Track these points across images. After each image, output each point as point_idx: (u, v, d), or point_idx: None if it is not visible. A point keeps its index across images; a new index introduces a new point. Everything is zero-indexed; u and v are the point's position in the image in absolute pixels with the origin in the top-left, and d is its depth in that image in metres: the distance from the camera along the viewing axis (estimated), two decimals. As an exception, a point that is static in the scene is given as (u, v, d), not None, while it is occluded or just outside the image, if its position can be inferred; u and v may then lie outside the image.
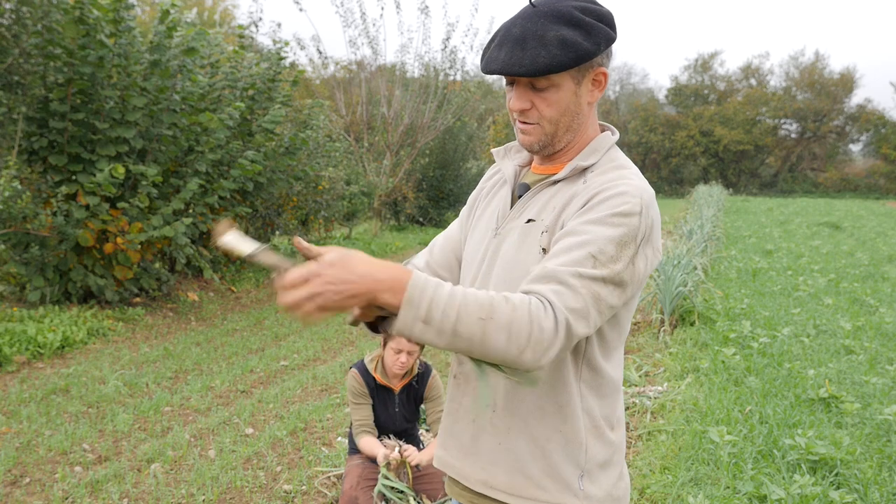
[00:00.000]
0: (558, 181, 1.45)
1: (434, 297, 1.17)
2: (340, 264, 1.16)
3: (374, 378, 3.34)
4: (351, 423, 3.39)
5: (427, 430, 4.39)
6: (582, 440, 1.41)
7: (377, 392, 3.37)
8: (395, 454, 3.22)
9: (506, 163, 1.58)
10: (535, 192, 1.47)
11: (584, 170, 1.44)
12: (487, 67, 1.39)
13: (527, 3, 1.41)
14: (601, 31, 1.36)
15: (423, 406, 3.57)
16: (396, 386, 3.36)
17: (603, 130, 1.52)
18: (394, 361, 3.25)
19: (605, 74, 1.41)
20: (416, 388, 3.43)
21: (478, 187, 1.68)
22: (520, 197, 1.50)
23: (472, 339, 1.18)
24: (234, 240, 1.27)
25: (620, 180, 1.37)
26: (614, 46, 1.43)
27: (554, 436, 1.40)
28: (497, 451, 1.44)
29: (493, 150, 1.61)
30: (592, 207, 1.33)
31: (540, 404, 1.41)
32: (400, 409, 3.40)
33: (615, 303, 1.30)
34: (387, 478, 3.24)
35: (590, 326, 1.26)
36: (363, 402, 3.35)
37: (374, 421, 3.38)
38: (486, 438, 1.45)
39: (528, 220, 1.44)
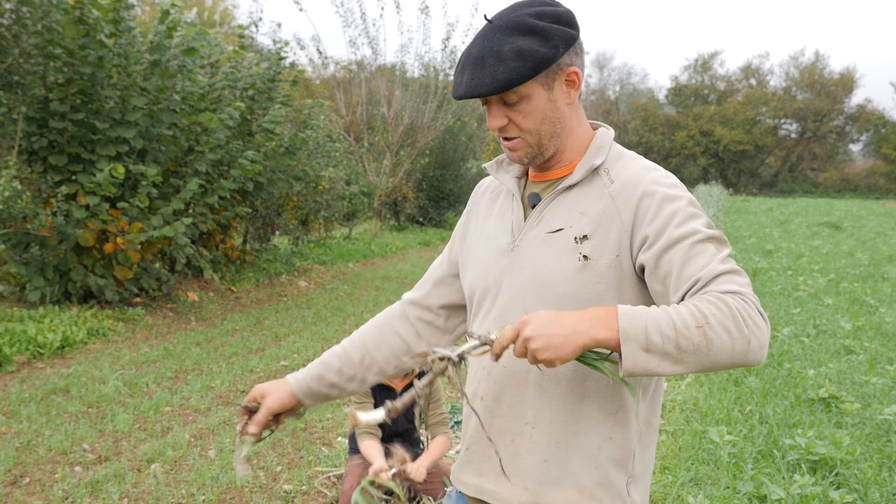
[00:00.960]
0: (573, 185, 1.42)
1: (648, 323, 1.18)
2: (543, 319, 1.21)
3: None
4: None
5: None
6: (633, 446, 1.39)
7: (378, 392, 3.37)
8: (388, 474, 3.17)
9: (502, 175, 1.54)
10: (549, 200, 1.44)
11: (597, 168, 1.42)
12: (455, 93, 1.39)
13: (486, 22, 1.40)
14: (557, 32, 1.34)
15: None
16: (398, 385, 3.36)
17: (595, 129, 1.51)
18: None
19: (576, 73, 1.39)
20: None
21: (466, 211, 1.65)
22: (533, 207, 1.47)
23: (698, 352, 1.17)
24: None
25: (662, 177, 1.39)
26: (582, 42, 1.42)
27: (605, 444, 1.38)
28: (543, 468, 1.39)
29: (486, 165, 1.58)
30: (671, 213, 1.32)
31: (588, 413, 1.38)
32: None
33: None
34: (372, 483, 3.23)
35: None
36: (365, 401, 3.35)
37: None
38: (528, 458, 1.41)
39: (556, 230, 1.40)
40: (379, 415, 1.30)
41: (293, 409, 1.64)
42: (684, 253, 1.27)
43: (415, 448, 3.51)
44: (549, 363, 1.19)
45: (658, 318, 1.18)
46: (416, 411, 3.44)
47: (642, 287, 1.36)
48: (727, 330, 1.17)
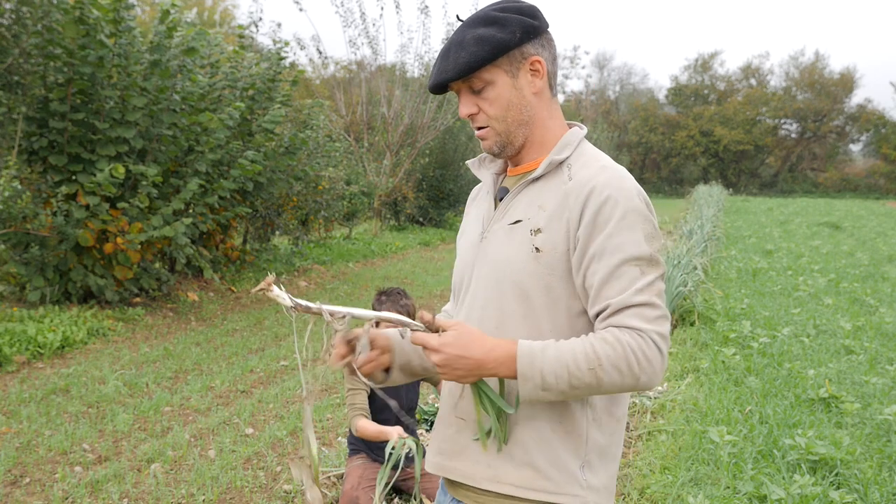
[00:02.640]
0: (537, 179, 1.48)
1: (543, 366, 1.32)
2: (458, 345, 1.34)
3: None
4: (347, 413, 3.38)
5: (427, 430, 4.40)
6: (583, 432, 1.44)
7: None
8: (402, 431, 3.18)
9: (482, 172, 1.62)
10: (515, 192, 1.51)
11: (561, 163, 1.47)
12: (429, 86, 1.50)
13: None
14: (514, 20, 1.42)
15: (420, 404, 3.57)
16: None
17: (571, 127, 1.56)
18: None
19: (540, 62, 1.45)
20: None
21: (465, 211, 1.73)
22: (500, 200, 1.54)
23: (590, 388, 1.33)
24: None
25: (603, 174, 1.41)
26: (551, 37, 1.49)
27: (556, 427, 1.44)
28: (504, 447, 1.46)
29: (468, 162, 1.66)
30: (602, 219, 1.37)
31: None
32: (401, 386, 3.38)
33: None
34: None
35: (668, 317, 1.37)
36: (360, 387, 3.35)
37: (375, 402, 3.37)
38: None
39: (516, 221, 1.47)
40: (285, 298, 1.42)
41: (385, 356, 1.58)
42: (607, 272, 1.36)
43: (413, 441, 3.50)
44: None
45: (552, 361, 1.32)
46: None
47: None
48: (618, 370, 1.30)
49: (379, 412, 3.39)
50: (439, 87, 1.47)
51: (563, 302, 1.42)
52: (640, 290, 1.34)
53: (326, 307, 1.44)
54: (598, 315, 1.36)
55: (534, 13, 1.46)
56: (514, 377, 1.33)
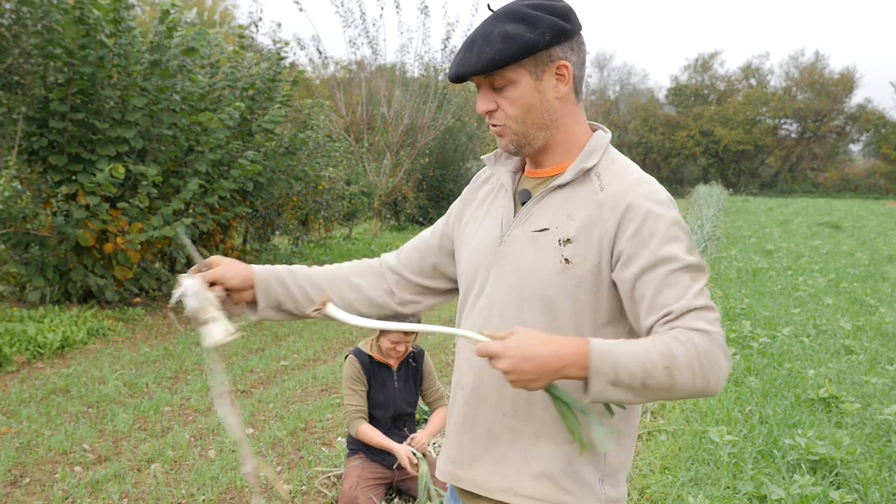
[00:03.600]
0: (563, 185, 1.43)
1: (618, 361, 1.23)
2: (523, 347, 1.24)
3: (370, 356, 3.35)
4: (344, 413, 3.39)
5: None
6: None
7: (375, 371, 3.37)
8: (411, 453, 3.22)
9: (499, 168, 1.56)
10: (539, 198, 1.45)
11: (588, 171, 1.43)
12: (448, 75, 1.44)
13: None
14: (546, 21, 1.36)
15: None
16: (394, 363, 3.38)
17: (594, 130, 1.51)
18: (390, 350, 3.29)
19: (567, 67, 1.40)
20: (414, 366, 3.45)
21: (463, 197, 1.66)
22: (523, 203, 1.48)
23: (662, 387, 1.25)
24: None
25: (652, 193, 1.39)
26: (582, 41, 1.43)
27: None
28: (521, 457, 1.42)
29: (484, 157, 1.60)
30: (651, 232, 1.34)
31: (554, 411, 1.39)
32: (399, 386, 3.40)
33: None
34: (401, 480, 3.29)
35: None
36: (359, 388, 3.35)
37: (375, 402, 3.37)
38: (507, 447, 1.44)
39: (542, 230, 1.42)
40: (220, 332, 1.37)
41: (242, 293, 1.59)
42: (660, 280, 1.31)
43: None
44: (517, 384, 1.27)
45: (628, 356, 1.23)
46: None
47: (618, 295, 1.38)
48: (692, 370, 1.24)
49: (372, 409, 3.40)
50: (459, 78, 1.41)
51: (588, 314, 1.38)
52: (697, 295, 1.30)
53: (382, 324, 1.40)
54: (658, 322, 1.31)
55: (567, 15, 1.40)
56: (586, 376, 1.24)
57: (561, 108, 1.43)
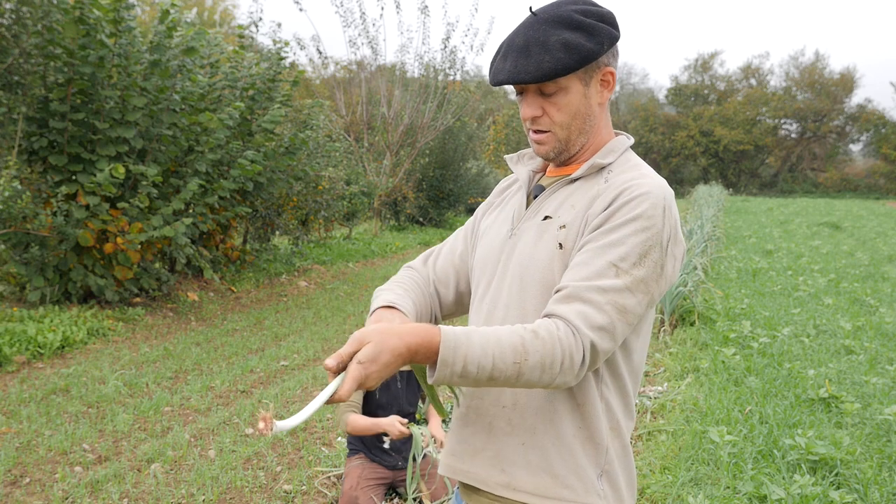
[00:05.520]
0: (576, 179, 1.44)
1: (468, 353, 1.22)
2: (373, 355, 1.19)
3: None
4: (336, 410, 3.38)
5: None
6: (603, 438, 1.39)
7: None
8: (398, 421, 3.17)
9: (519, 168, 1.58)
10: (551, 191, 1.47)
11: (602, 168, 1.43)
12: (495, 79, 1.40)
13: (528, 13, 1.43)
14: (603, 30, 1.37)
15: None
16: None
17: (618, 136, 1.52)
18: None
19: (612, 74, 1.42)
20: None
21: (487, 202, 1.68)
22: (535, 197, 1.50)
23: (508, 381, 1.24)
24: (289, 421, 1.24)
25: (641, 179, 1.36)
26: (619, 46, 1.44)
27: (578, 433, 1.39)
28: (520, 451, 1.41)
29: (507, 157, 1.60)
30: (615, 211, 1.32)
31: (561, 400, 1.39)
32: (403, 387, 3.37)
33: (641, 311, 1.31)
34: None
35: (616, 341, 1.29)
36: (355, 403, 3.34)
37: (378, 403, 3.36)
38: (507, 440, 1.42)
39: (545, 218, 1.43)
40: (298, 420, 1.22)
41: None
42: (588, 257, 1.30)
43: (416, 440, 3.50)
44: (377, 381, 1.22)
45: (477, 350, 1.21)
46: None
47: None
48: (542, 368, 1.23)
49: (375, 410, 3.40)
50: (507, 83, 1.39)
51: None
52: (602, 291, 1.26)
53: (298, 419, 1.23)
54: (553, 296, 1.30)
55: (614, 21, 1.41)
56: (434, 362, 1.22)
57: (600, 113, 1.45)
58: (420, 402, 3.59)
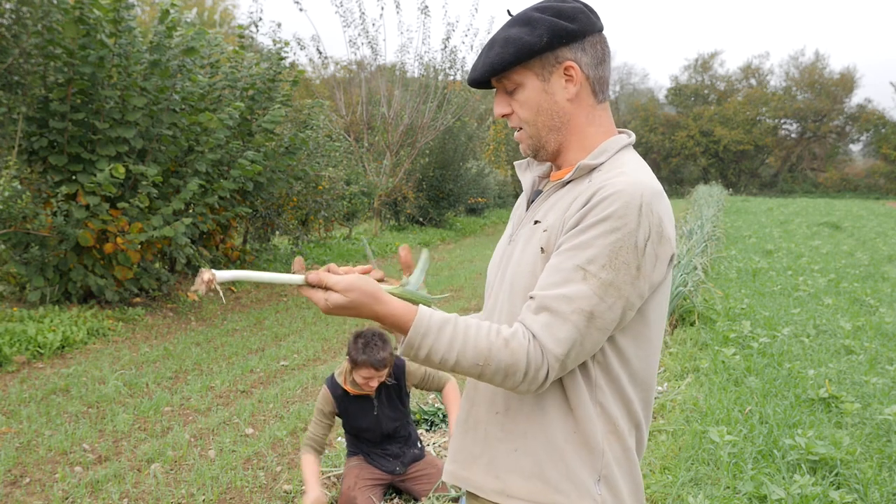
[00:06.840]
0: (567, 182, 1.43)
1: (434, 344, 1.28)
2: (352, 304, 1.28)
3: (345, 390, 3.27)
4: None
5: (427, 430, 4.40)
6: (599, 442, 1.36)
7: (351, 402, 3.30)
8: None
9: (526, 175, 1.59)
10: (545, 195, 1.46)
11: (593, 169, 1.40)
12: (468, 79, 1.47)
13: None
14: (546, 23, 1.35)
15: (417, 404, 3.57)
16: (371, 391, 3.25)
17: (618, 134, 1.48)
18: (364, 384, 3.19)
19: (573, 68, 1.38)
20: (395, 383, 3.35)
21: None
22: (532, 202, 1.51)
23: (471, 376, 1.32)
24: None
25: (617, 178, 1.31)
26: (595, 42, 1.40)
27: (571, 437, 1.36)
28: (513, 457, 1.39)
29: (516, 164, 1.61)
30: (587, 212, 1.29)
31: (552, 405, 1.37)
32: (380, 411, 3.34)
33: (615, 315, 1.28)
34: None
35: (585, 348, 1.28)
36: (323, 421, 3.32)
37: (359, 427, 3.36)
38: (500, 446, 1.41)
39: (535, 222, 1.43)
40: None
41: None
42: (558, 262, 1.30)
43: (412, 448, 3.50)
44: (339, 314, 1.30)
45: (444, 344, 1.27)
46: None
47: None
48: (504, 375, 1.27)
49: (360, 432, 3.39)
50: (475, 83, 1.44)
51: None
52: (568, 300, 1.26)
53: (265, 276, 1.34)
54: (530, 298, 1.32)
55: (572, 16, 1.37)
56: (403, 335, 1.30)
57: (573, 109, 1.41)
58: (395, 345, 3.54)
